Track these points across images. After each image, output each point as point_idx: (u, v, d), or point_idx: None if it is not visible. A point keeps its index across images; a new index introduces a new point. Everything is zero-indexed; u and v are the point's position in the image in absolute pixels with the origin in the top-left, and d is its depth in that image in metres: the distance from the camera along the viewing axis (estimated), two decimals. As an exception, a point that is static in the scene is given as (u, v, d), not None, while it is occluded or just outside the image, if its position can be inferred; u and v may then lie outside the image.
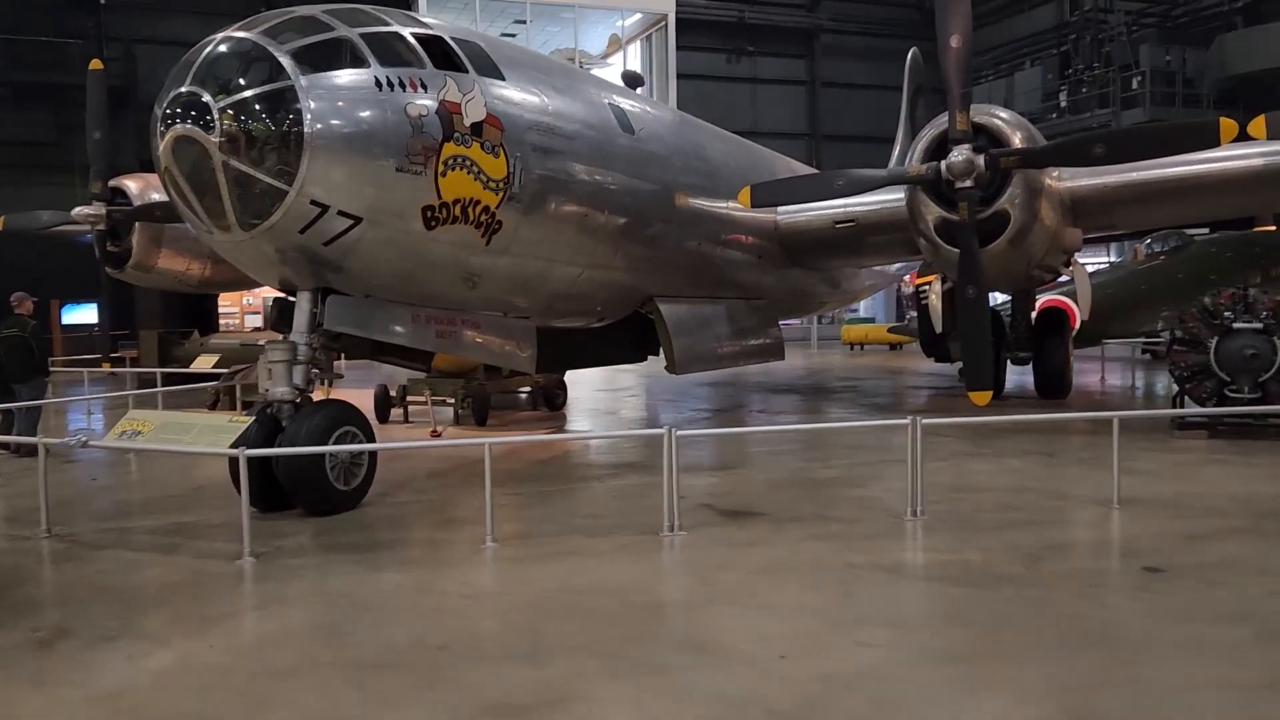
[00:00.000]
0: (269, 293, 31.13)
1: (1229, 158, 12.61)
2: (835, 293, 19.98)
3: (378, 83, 7.89)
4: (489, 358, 10.06)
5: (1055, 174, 11.94)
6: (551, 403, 15.60)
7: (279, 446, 7.73)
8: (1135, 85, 29.11)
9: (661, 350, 12.54)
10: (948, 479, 8.79)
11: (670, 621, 5.41)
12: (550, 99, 9.75)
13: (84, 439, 7.38)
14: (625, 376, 21.33)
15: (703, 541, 7.06)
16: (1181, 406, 11.65)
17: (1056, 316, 15.79)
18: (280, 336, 8.50)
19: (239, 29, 7.81)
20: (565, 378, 15.76)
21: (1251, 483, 8.74)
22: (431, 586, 6.16)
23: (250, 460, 7.63)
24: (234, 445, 7.03)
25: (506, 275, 9.50)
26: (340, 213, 7.76)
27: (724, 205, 13.32)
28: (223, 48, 7.66)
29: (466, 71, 8.69)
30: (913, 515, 7.49)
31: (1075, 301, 16.18)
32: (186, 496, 9.18)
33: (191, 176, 7.51)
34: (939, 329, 15.35)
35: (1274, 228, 22.53)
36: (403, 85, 8.02)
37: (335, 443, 7.97)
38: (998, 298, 18.99)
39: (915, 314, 19.84)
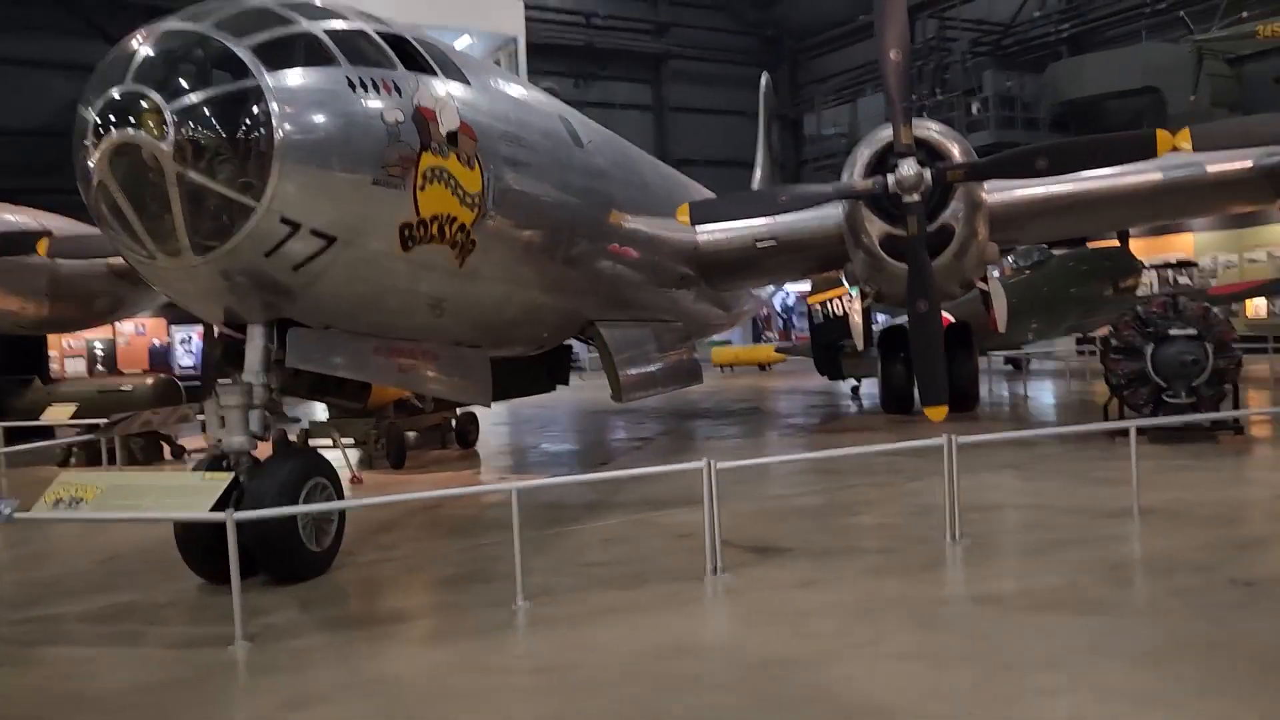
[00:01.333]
0: (95, 334, 28.35)
1: (1132, 172, 13.17)
2: (727, 316, 19.79)
3: (350, 84, 6.91)
4: (448, 392, 9.08)
5: (985, 188, 12.07)
6: (464, 439, 14.57)
7: (241, 504, 6.57)
8: (975, 110, 30.64)
9: (606, 376, 11.79)
10: (972, 499, 8.47)
11: (802, 682, 4.74)
12: (511, 107, 8.96)
13: (8, 510, 6.01)
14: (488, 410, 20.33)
15: (752, 584, 6.43)
16: (1120, 414, 11.87)
17: (963, 331, 16.06)
18: (227, 379, 7.32)
19: (183, 20, 6.65)
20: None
21: (1233, 487, 8.89)
22: (483, 662, 5.26)
23: (197, 525, 6.54)
24: (216, 508, 5.89)
25: (473, 300, 8.61)
26: (313, 232, 6.72)
27: (657, 223, 12.80)
28: (168, 42, 6.49)
29: (435, 74, 7.80)
30: (953, 540, 7.12)
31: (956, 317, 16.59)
32: (102, 572, 7.80)
33: (134, 192, 6.29)
34: (859, 346, 15.33)
35: (1116, 243, 24.03)
36: (376, 87, 7.07)
37: (307, 497, 6.89)
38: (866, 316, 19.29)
39: (812, 332, 19.89)
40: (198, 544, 6.90)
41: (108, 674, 5.35)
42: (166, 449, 15.01)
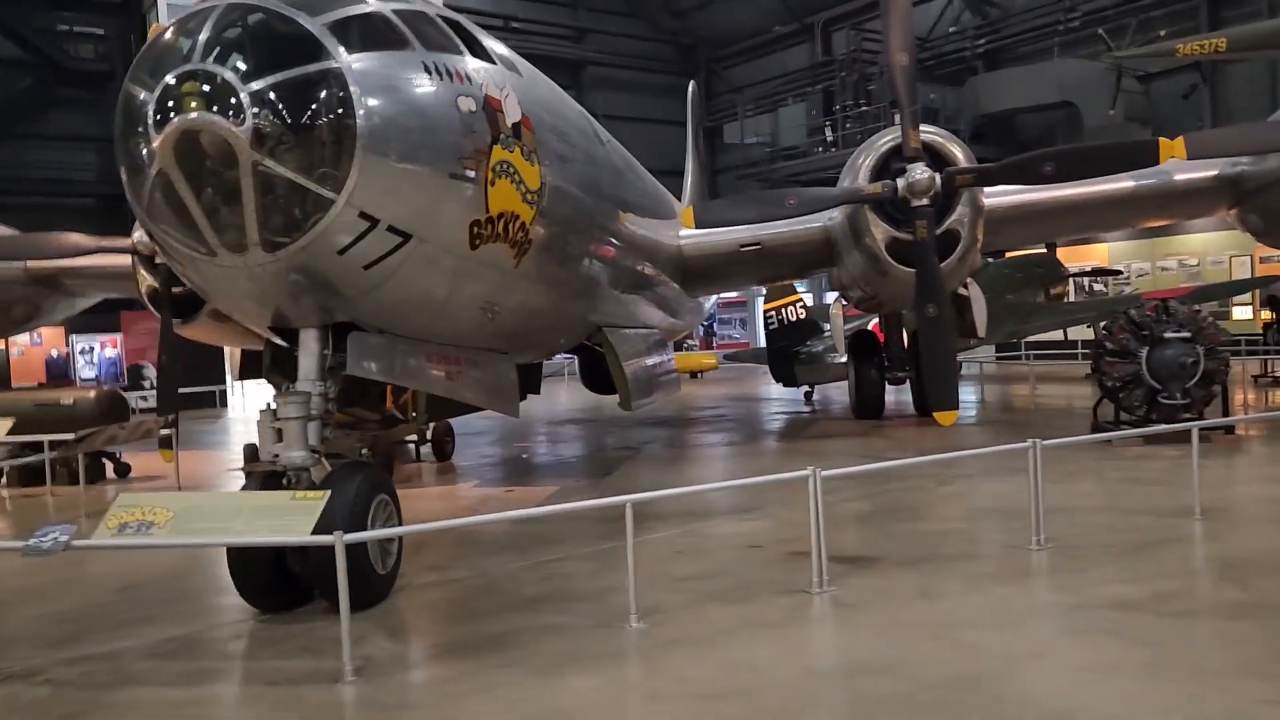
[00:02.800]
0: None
1: (1105, 180, 13.51)
2: (684, 323, 19.62)
3: (426, 69, 6.41)
4: (483, 400, 8.53)
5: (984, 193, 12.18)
6: (441, 451, 13.95)
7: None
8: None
9: (615, 385, 11.41)
10: (1012, 503, 8.45)
11: (1006, 697, 4.50)
12: (553, 98, 8.54)
13: (64, 537, 5.29)
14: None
15: (867, 596, 6.19)
16: (1114, 416, 12.11)
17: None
18: (278, 386, 6.71)
19: (244, -8, 6.04)
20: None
21: (1258, 484, 9.11)
22: (647, 689, 4.89)
23: (255, 551, 5.98)
24: (319, 529, 5.33)
25: (520, 303, 8.17)
26: (390, 228, 6.18)
27: (654, 225, 12.51)
28: (235, 17, 5.87)
29: (494, 63, 7.35)
30: (1037, 545, 7.04)
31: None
32: (128, 602, 7.06)
33: (200, 182, 5.66)
34: (840, 350, 15.34)
35: (1044, 250, 24.87)
36: (450, 74, 6.58)
37: (373, 517, 6.33)
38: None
39: (767, 338, 19.92)
40: (255, 571, 6.30)
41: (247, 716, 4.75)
42: (109, 467, 13.92)
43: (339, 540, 5.17)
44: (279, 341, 6.96)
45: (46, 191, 29.31)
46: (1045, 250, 24.70)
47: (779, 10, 38.69)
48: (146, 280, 12.52)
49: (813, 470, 6.33)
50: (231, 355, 16.26)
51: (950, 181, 11.02)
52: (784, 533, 8.14)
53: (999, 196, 12.51)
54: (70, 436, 11.45)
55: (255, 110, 5.55)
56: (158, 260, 11.93)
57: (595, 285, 10.17)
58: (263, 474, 6.50)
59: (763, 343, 37.41)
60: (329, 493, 5.67)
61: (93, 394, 13.73)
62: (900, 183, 10.93)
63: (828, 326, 20.31)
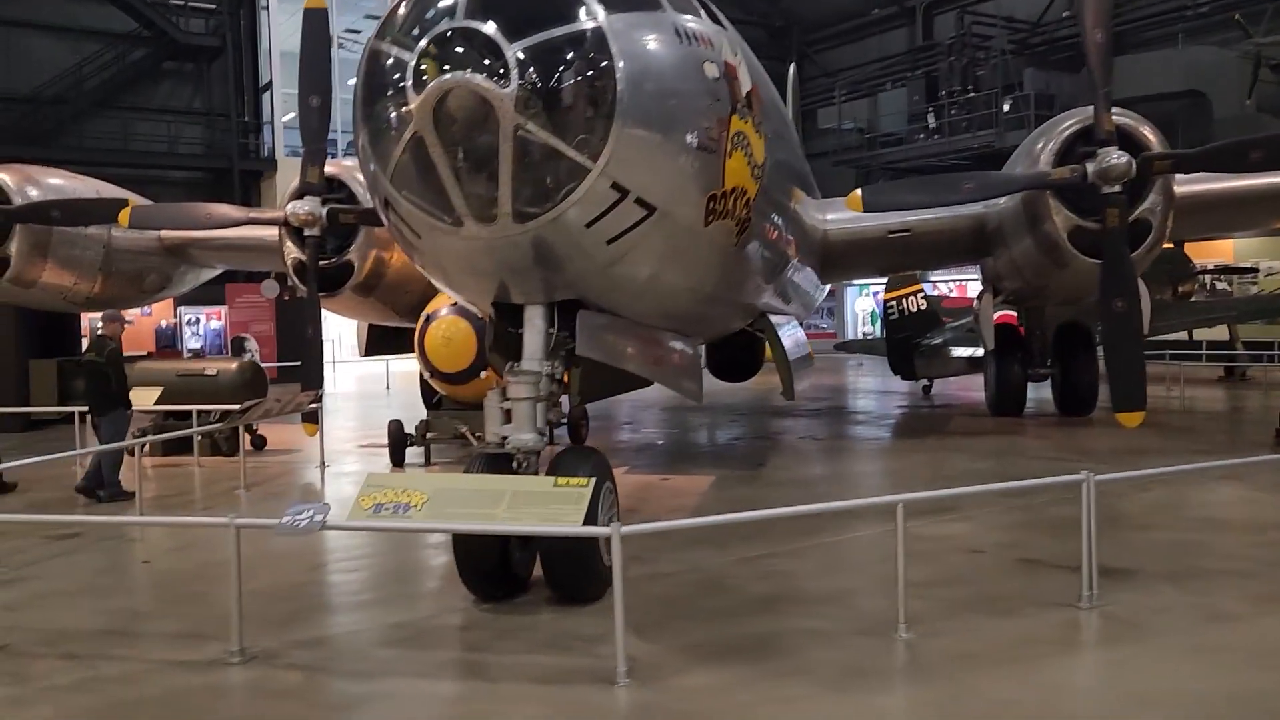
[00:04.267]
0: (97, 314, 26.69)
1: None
2: (808, 311, 19.06)
3: (676, 32, 6.01)
4: (676, 385, 8.14)
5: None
6: (576, 435, 13.62)
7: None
8: (1006, 108, 30.24)
9: (778, 375, 10.96)
10: (1251, 514, 7.87)
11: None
12: (756, 64, 8.06)
13: (319, 516, 5.02)
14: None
15: (1145, 614, 5.68)
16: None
17: (1081, 331, 15.51)
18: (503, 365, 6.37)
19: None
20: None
21: None
22: (963, 712, 4.46)
23: (482, 538, 5.68)
24: (589, 519, 5.00)
25: (730, 283, 7.84)
26: (638, 200, 5.79)
27: (807, 206, 12.00)
28: (492, -30, 5.52)
29: (725, 27, 6.93)
30: None
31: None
32: (325, 584, 6.87)
33: (458, 146, 5.33)
34: (989, 345, 14.69)
35: (1171, 245, 23.80)
36: (695, 38, 6.18)
37: (603, 505, 5.99)
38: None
39: (886, 329, 19.32)
40: (483, 558, 6.01)
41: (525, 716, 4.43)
42: (247, 439, 13.85)
43: (615, 532, 4.83)
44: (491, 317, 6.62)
45: (151, 164, 29.68)
46: (1172, 245, 23.65)
47: (878, -8, 37.79)
48: (293, 253, 12.36)
49: (1087, 475, 5.83)
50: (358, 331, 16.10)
51: (1146, 167, 10.33)
52: (994, 537, 7.67)
53: (1186, 184, 11.78)
54: (235, 408, 11.33)
55: (520, 71, 5.20)
56: (307, 234, 11.79)
57: (771, 268, 9.72)
58: (490, 455, 6.20)
59: (851, 334, 37.01)
60: (594, 480, 5.33)
61: (235, 366, 13.68)
62: (1090, 167, 10.24)
63: (952, 321, 19.69)
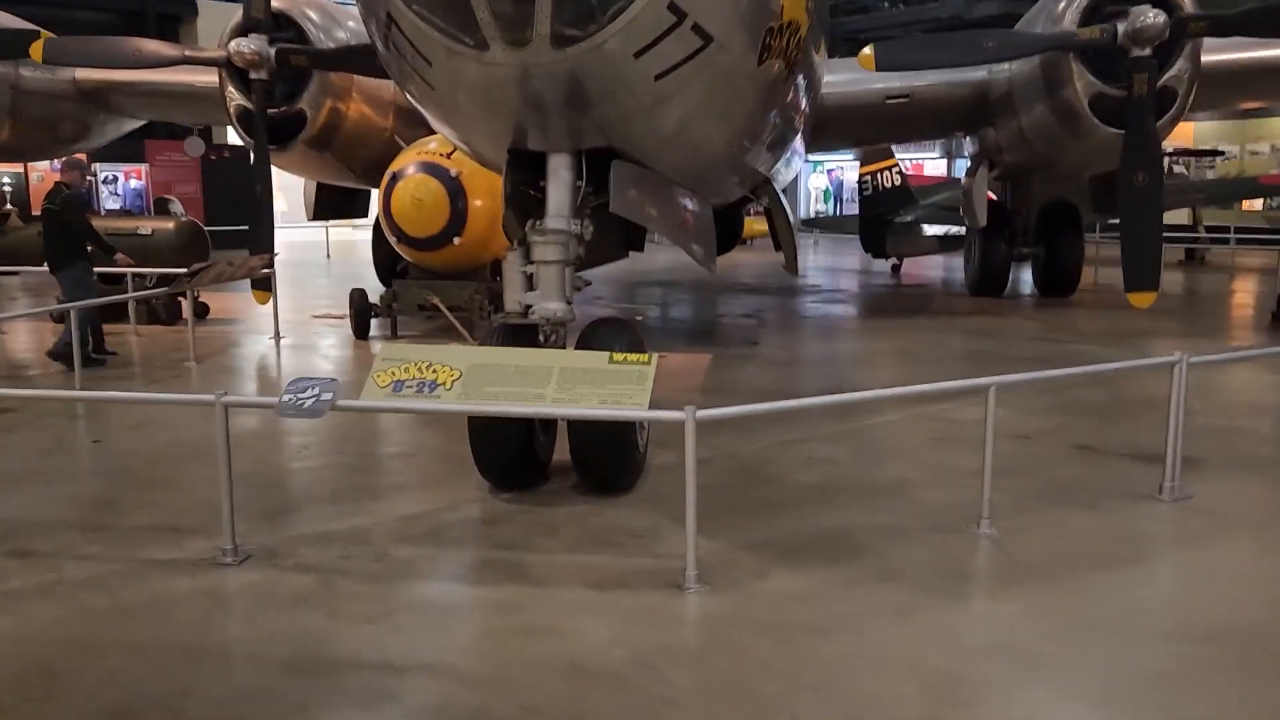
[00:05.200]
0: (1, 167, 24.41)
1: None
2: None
3: None
4: (699, 255, 7.30)
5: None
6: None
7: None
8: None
9: (780, 246, 10.18)
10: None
11: None
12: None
13: (327, 395, 4.18)
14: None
15: (1232, 506, 5.25)
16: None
17: (1068, 210, 14.98)
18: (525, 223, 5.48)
19: None
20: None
21: None
22: (1101, 621, 3.92)
23: (499, 421, 4.95)
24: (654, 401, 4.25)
25: (765, 134, 7.04)
26: (694, 28, 4.85)
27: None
28: None
29: None
30: None
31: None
32: (313, 468, 6.05)
33: (490, -51, 4.32)
34: (981, 222, 14.05)
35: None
36: None
37: (640, 384, 5.25)
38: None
39: (860, 204, 18.61)
40: (505, 444, 5.27)
41: (588, 630, 3.75)
42: (185, 307, 12.69)
43: (690, 416, 4.09)
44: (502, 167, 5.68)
45: (52, 2, 26.87)
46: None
47: None
48: (236, 100, 11.04)
49: (1181, 356, 5.26)
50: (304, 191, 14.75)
51: (1180, 28, 9.59)
52: (1034, 422, 7.15)
53: (1209, 53, 11.09)
54: (179, 271, 10.18)
55: None
56: (253, 77, 10.47)
57: (792, 126, 8.84)
58: (511, 326, 5.38)
59: (803, 212, 36.24)
60: (656, 356, 4.56)
61: (172, 225, 12.39)
62: (1121, 27, 9.48)
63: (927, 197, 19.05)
